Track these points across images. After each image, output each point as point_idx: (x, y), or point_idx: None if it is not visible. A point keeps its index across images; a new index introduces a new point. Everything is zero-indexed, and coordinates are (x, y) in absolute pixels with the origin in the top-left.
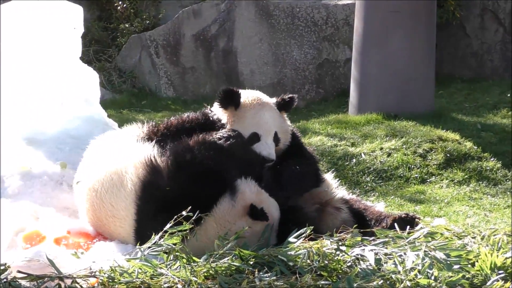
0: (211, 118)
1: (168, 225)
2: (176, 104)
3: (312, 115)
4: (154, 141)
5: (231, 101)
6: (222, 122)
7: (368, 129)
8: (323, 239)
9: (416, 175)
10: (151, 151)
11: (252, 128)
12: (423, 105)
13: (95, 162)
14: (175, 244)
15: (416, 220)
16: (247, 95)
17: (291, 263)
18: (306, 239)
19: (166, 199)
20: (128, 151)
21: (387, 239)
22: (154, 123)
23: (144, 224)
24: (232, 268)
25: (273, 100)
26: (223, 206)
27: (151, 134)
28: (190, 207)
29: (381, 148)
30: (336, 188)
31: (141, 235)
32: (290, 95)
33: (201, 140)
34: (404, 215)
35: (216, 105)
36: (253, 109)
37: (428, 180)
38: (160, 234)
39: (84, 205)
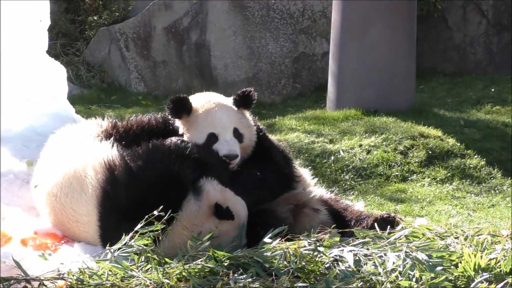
0: (171, 126)
1: (139, 226)
2: (147, 100)
3: (289, 110)
4: (112, 143)
5: (181, 109)
6: (180, 131)
7: (346, 125)
8: (300, 239)
9: (397, 173)
10: (109, 154)
11: (207, 129)
12: (404, 100)
13: (52, 163)
14: (146, 245)
15: (397, 220)
16: (197, 99)
17: (267, 265)
18: (283, 239)
19: (128, 207)
20: (87, 151)
21: (366, 240)
22: (114, 120)
23: (108, 231)
24: (206, 270)
25: (229, 98)
26: (189, 209)
27: (109, 133)
28: (156, 211)
29: (360, 145)
30: (314, 187)
31: (107, 241)
32: (246, 89)
33: (153, 146)
34: (385, 215)
35: (168, 116)
36: (204, 110)
37: (410, 178)
38: (130, 234)
39: (45, 209)
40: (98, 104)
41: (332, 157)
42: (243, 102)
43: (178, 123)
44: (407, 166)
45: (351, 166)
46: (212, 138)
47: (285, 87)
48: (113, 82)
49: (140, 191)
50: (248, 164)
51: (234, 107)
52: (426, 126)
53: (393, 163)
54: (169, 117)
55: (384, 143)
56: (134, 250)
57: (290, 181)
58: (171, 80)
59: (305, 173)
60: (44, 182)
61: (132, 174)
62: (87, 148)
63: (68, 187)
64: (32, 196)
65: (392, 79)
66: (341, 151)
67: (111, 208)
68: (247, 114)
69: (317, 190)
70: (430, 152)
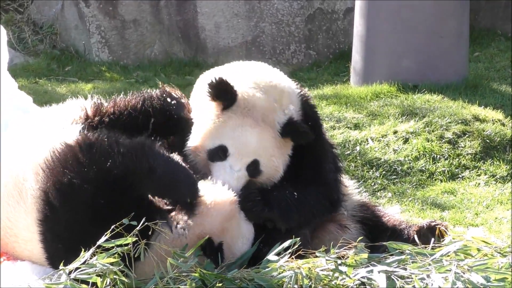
0: (173, 112)
1: (103, 238)
2: (112, 71)
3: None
4: (79, 130)
5: (223, 97)
6: (194, 116)
7: (377, 105)
8: (316, 256)
9: (443, 169)
10: (57, 148)
11: (223, 140)
12: (453, 73)
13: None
14: (112, 264)
15: (444, 229)
16: (248, 93)
17: None
18: (293, 256)
19: (76, 222)
20: (38, 144)
21: (403, 256)
22: (98, 102)
23: (56, 253)
24: None
25: (290, 110)
26: (164, 239)
27: (90, 120)
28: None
29: (395, 132)
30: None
31: (57, 263)
32: (303, 126)
33: (111, 142)
34: (431, 222)
35: (200, 94)
36: (241, 119)
37: (460, 176)
38: (91, 250)
39: None
40: (48, 77)
41: (358, 148)
42: (291, 133)
43: (200, 105)
44: (457, 159)
45: (382, 160)
46: (220, 153)
47: (296, 55)
48: (68, 47)
49: (98, 198)
50: (291, 181)
51: (277, 133)
52: (483, 107)
53: (438, 156)
54: (175, 97)
55: (427, 129)
56: (96, 271)
57: (336, 206)
58: (144, 45)
59: (350, 185)
60: None
61: (85, 175)
62: (43, 140)
63: (4, 191)
64: None
65: (437, 44)
66: (369, 140)
67: (54, 222)
68: (290, 146)
69: (353, 197)
70: (487, 141)
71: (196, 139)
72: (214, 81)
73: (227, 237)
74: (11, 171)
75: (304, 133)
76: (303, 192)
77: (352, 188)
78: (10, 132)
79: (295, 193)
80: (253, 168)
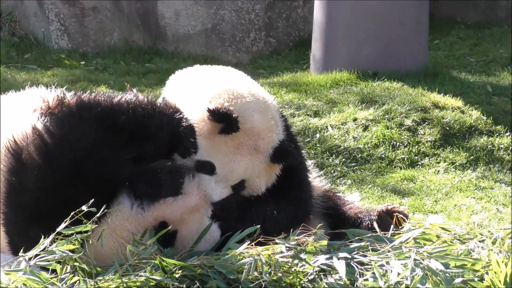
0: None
1: (63, 225)
2: (72, 59)
3: (260, 73)
4: (41, 118)
5: (226, 127)
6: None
7: (336, 93)
8: (276, 243)
9: (403, 156)
10: (18, 133)
11: (213, 160)
12: (413, 60)
13: None
14: (72, 251)
15: (405, 213)
16: (247, 119)
17: (232, 276)
18: (253, 244)
19: (38, 204)
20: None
21: (363, 243)
22: (62, 95)
23: (18, 239)
24: (151, 284)
25: (277, 137)
26: (121, 213)
27: (52, 111)
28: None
29: (355, 119)
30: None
31: (18, 250)
32: (292, 151)
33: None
34: (389, 206)
35: (187, 92)
36: (234, 148)
37: (420, 163)
38: (50, 237)
39: None
40: (7, 64)
41: (318, 135)
42: (278, 159)
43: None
44: (416, 147)
45: (342, 147)
46: (208, 168)
47: (255, 43)
48: (27, 35)
49: (53, 182)
50: (270, 194)
51: (268, 157)
52: (442, 94)
53: (398, 143)
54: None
55: (386, 116)
56: (56, 258)
57: (308, 213)
58: (103, 32)
59: (313, 173)
60: None
61: (45, 156)
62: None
63: None
64: None
65: (397, 31)
66: (329, 127)
67: (17, 209)
68: (277, 168)
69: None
70: (447, 128)
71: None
72: (219, 110)
73: (183, 229)
74: None
75: (293, 158)
76: (281, 208)
77: (315, 176)
78: None
79: (274, 210)
80: (238, 186)
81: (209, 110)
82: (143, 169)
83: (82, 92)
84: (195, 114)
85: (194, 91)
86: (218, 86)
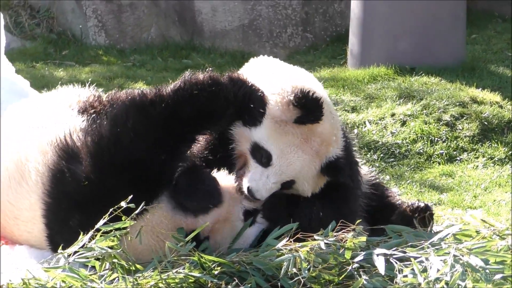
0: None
1: (102, 222)
2: (109, 55)
3: None
4: (84, 117)
5: (309, 114)
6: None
7: (374, 88)
8: (315, 239)
9: (441, 151)
10: (68, 128)
11: (273, 149)
12: (450, 55)
13: None
14: (111, 248)
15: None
16: (319, 129)
17: (270, 273)
18: (292, 240)
19: (84, 196)
20: (39, 128)
21: (401, 239)
22: (98, 93)
23: (58, 229)
24: (190, 281)
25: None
26: (160, 212)
27: (91, 105)
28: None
29: (393, 115)
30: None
31: (56, 243)
32: (345, 171)
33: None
34: (416, 204)
35: (290, 106)
36: (301, 141)
37: (458, 158)
38: (90, 234)
39: None
40: (45, 61)
41: (356, 131)
42: (330, 174)
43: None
44: (454, 142)
45: (380, 143)
46: (265, 156)
47: (293, 38)
48: (65, 32)
49: (106, 176)
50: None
51: (320, 166)
52: (480, 89)
53: (436, 138)
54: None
55: (425, 111)
56: (95, 255)
57: (354, 213)
58: (141, 28)
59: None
60: None
61: (101, 147)
62: (42, 125)
63: (4, 174)
64: None
65: (434, 26)
66: (367, 123)
67: (61, 198)
68: (324, 180)
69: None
70: (485, 123)
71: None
72: (309, 93)
73: (214, 236)
74: (12, 154)
75: (342, 177)
76: (328, 210)
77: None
78: (9, 117)
79: (320, 212)
80: (287, 184)
81: (297, 93)
82: (188, 175)
83: (145, 88)
84: (270, 96)
85: (274, 77)
86: (300, 78)
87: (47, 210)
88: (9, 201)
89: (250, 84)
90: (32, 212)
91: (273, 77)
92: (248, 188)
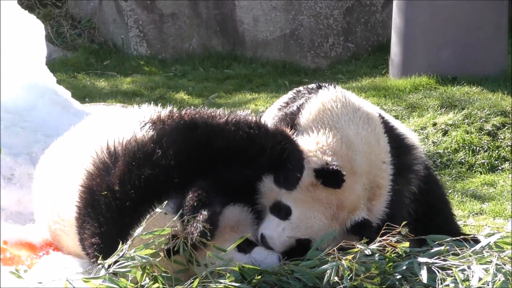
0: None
1: (140, 229)
2: (151, 65)
3: (339, 78)
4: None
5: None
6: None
7: (416, 97)
8: (357, 247)
9: (483, 161)
10: (116, 137)
11: (294, 206)
12: (492, 64)
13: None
14: (151, 256)
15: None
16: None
17: (311, 283)
18: (335, 249)
19: (108, 204)
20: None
21: (442, 248)
22: (172, 108)
23: (85, 235)
24: None
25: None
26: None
27: (161, 121)
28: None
29: (434, 124)
30: None
31: (85, 250)
32: (368, 229)
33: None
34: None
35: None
36: (322, 206)
37: (500, 168)
38: (129, 242)
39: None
40: (87, 71)
41: None
42: (354, 232)
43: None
44: (496, 151)
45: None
46: (284, 211)
47: (334, 48)
48: (106, 42)
49: (127, 187)
50: None
51: (343, 229)
52: None
53: (478, 148)
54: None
55: (466, 121)
56: (135, 264)
57: None
58: (182, 39)
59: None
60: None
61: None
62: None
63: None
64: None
65: (476, 36)
66: None
67: (89, 203)
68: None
69: None
70: None
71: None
72: (329, 168)
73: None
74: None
75: (369, 233)
76: None
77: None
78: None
79: None
80: (304, 242)
81: (316, 170)
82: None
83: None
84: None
85: (307, 127)
86: (334, 134)
87: (78, 215)
88: (58, 199)
89: (291, 142)
90: (68, 215)
91: (308, 129)
92: (262, 235)
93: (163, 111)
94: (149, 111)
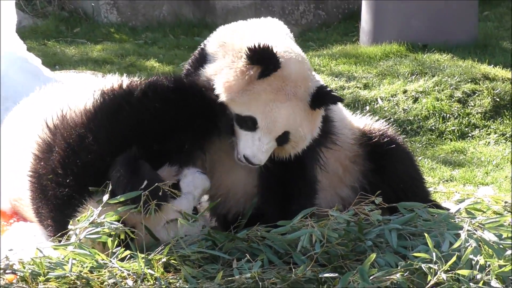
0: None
1: (106, 196)
2: (121, 33)
3: (310, 46)
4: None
5: (266, 64)
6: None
7: (386, 64)
8: (330, 216)
9: (453, 128)
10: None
11: (254, 113)
12: (463, 32)
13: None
14: (120, 222)
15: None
16: (287, 61)
17: (283, 249)
18: (307, 216)
19: (54, 188)
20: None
21: (413, 214)
22: (121, 80)
23: (41, 217)
24: (202, 257)
25: (314, 84)
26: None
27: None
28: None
29: (405, 91)
30: None
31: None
32: (322, 88)
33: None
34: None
35: (241, 58)
36: (274, 93)
37: (470, 135)
38: (99, 209)
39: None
40: (57, 39)
41: (368, 107)
42: (318, 103)
43: (225, 72)
44: (466, 118)
45: (392, 119)
46: (250, 122)
47: (305, 15)
48: (76, 9)
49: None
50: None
51: (308, 106)
52: (492, 66)
53: (448, 115)
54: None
55: (437, 88)
56: (106, 230)
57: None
58: (153, 6)
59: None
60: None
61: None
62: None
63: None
64: None
65: (447, 3)
66: (379, 99)
67: (38, 174)
68: (319, 115)
69: None
70: (497, 99)
71: (225, 98)
72: (258, 46)
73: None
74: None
75: (335, 98)
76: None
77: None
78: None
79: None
80: (282, 138)
81: (249, 49)
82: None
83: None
84: (234, 69)
85: (233, 45)
86: (256, 38)
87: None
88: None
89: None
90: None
91: (235, 47)
92: (244, 156)
93: (114, 82)
94: (100, 81)
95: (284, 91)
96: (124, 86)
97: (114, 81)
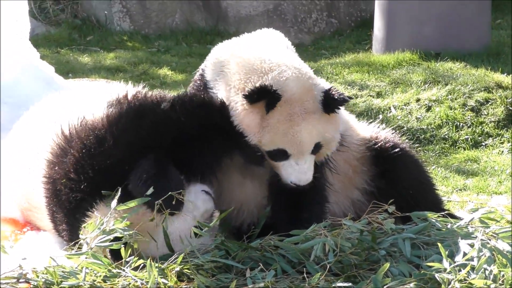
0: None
1: (114, 202)
2: (134, 41)
3: (322, 54)
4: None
5: (264, 99)
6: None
7: (399, 73)
8: (344, 225)
9: (466, 137)
10: (75, 118)
11: (279, 145)
12: (475, 40)
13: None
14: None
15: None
16: (287, 96)
17: (296, 259)
18: (320, 225)
19: (68, 193)
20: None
21: (426, 223)
22: (136, 89)
23: (57, 222)
24: (215, 266)
25: (319, 91)
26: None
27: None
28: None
29: (418, 100)
30: None
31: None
32: (331, 91)
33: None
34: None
35: (240, 97)
36: (288, 120)
37: (483, 144)
38: (109, 214)
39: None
40: (70, 47)
41: (381, 116)
42: (330, 107)
43: (240, 110)
44: (480, 127)
45: (405, 128)
46: (281, 154)
47: (317, 23)
48: (89, 17)
49: (84, 163)
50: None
51: (322, 112)
52: (506, 74)
53: (461, 124)
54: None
55: (450, 96)
56: (116, 237)
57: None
58: (165, 14)
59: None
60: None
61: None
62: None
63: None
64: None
65: (460, 11)
66: (392, 108)
67: (53, 182)
68: (336, 118)
69: None
70: (510, 108)
71: (253, 141)
72: (253, 89)
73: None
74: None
75: (342, 100)
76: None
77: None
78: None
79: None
80: (315, 149)
81: (245, 97)
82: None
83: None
84: (238, 108)
85: (232, 78)
86: (247, 68)
87: (46, 195)
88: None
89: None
90: (40, 197)
91: (229, 80)
92: (291, 183)
93: (130, 91)
94: (117, 89)
95: (296, 113)
96: (153, 96)
97: (137, 89)
